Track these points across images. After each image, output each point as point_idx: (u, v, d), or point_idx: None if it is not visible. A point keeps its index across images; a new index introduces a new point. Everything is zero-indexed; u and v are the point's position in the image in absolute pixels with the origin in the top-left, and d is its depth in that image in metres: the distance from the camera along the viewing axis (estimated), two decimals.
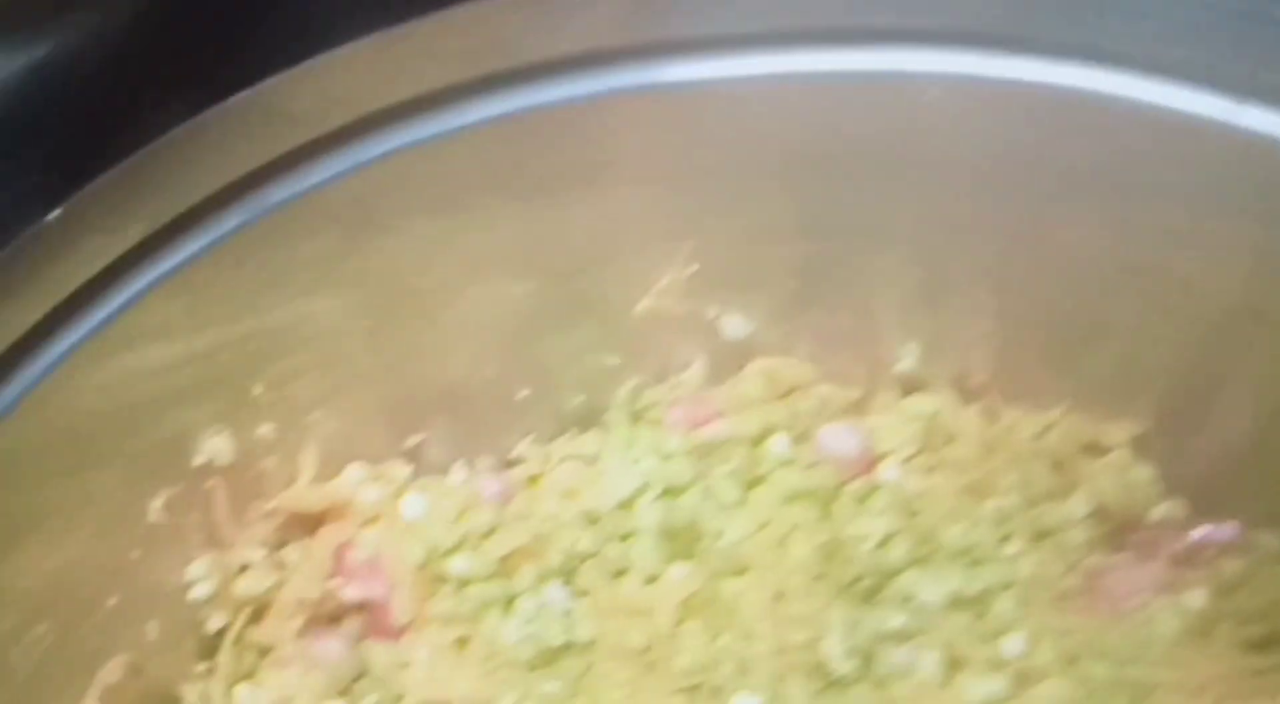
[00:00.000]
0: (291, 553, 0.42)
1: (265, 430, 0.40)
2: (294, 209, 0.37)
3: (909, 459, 0.44)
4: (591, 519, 0.43)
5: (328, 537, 0.42)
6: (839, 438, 0.44)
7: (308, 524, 0.42)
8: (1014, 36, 0.38)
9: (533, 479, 0.44)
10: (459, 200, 0.40)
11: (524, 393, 0.45)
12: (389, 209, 0.39)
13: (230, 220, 0.36)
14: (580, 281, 0.43)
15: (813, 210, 0.42)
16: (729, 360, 0.45)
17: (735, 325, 0.45)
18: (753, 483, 0.44)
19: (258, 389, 0.40)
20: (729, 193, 0.42)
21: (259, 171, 0.37)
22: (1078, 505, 0.43)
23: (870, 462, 0.44)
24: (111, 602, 0.38)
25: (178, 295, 0.36)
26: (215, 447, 0.39)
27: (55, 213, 0.33)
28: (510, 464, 0.45)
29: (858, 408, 0.45)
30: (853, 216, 0.42)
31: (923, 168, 0.40)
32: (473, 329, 0.43)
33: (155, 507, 0.38)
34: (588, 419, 0.46)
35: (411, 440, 0.44)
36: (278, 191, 0.37)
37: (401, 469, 0.43)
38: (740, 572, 0.41)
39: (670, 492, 0.43)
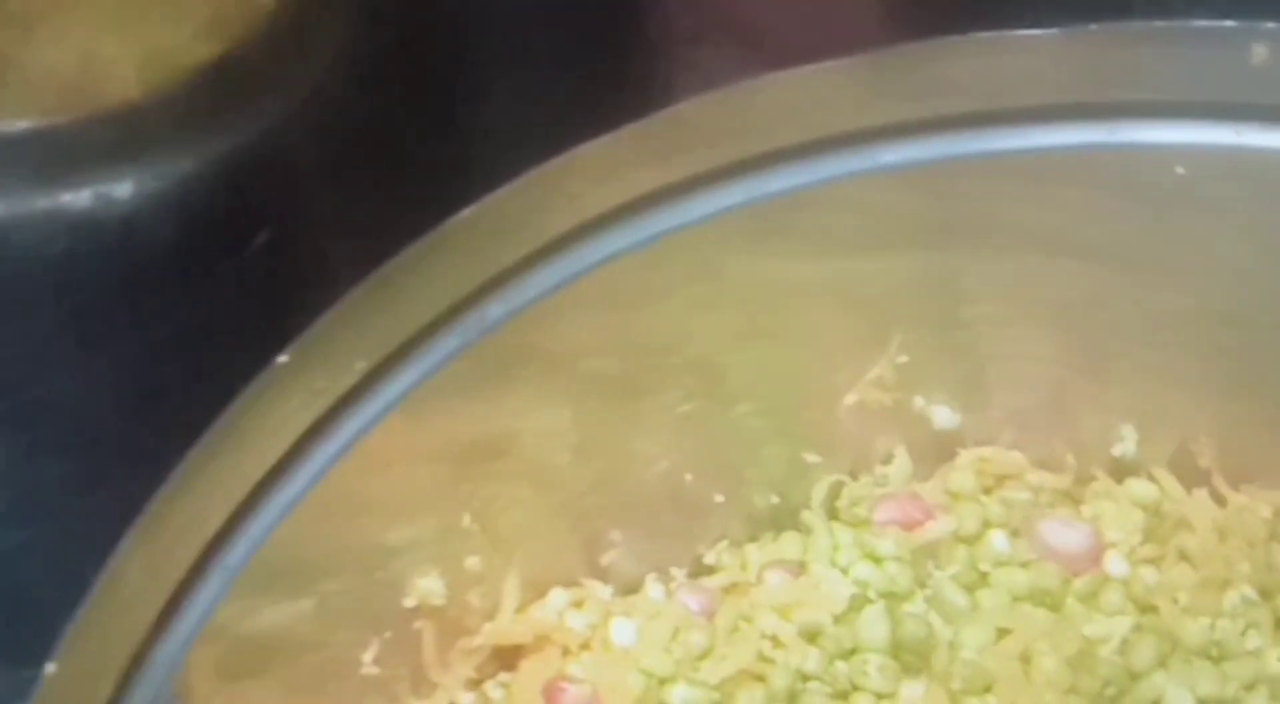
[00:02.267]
0: (493, 690, 0.38)
1: (472, 562, 0.37)
2: (511, 326, 0.34)
3: (1135, 550, 0.41)
4: (810, 635, 0.40)
5: (531, 670, 0.39)
6: (1060, 532, 0.41)
7: (507, 657, 0.39)
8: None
9: (732, 588, 0.41)
10: (664, 305, 0.37)
11: (718, 498, 0.42)
12: (599, 321, 0.36)
13: (450, 343, 0.33)
14: (787, 381, 0.40)
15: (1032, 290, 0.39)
16: (934, 452, 0.42)
17: (943, 415, 0.42)
18: (974, 586, 0.41)
19: (466, 519, 0.36)
20: (936, 273, 0.39)
21: (477, 290, 0.34)
22: None
23: (1095, 555, 0.41)
24: None
25: (399, 429, 0.33)
26: (427, 587, 0.36)
27: (283, 357, 0.30)
28: (704, 572, 0.42)
29: (1072, 497, 0.43)
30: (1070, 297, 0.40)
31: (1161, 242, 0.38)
32: (672, 437, 0.40)
33: (368, 658, 0.35)
34: (781, 520, 0.42)
35: (606, 558, 0.41)
36: (495, 308, 0.34)
37: (602, 590, 0.40)
38: (984, 689, 0.38)
39: (892, 600, 0.40)
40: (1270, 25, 0.34)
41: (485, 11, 0.40)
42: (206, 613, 0.29)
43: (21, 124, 0.33)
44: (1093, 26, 0.35)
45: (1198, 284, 0.39)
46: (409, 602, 0.36)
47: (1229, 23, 0.34)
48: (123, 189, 0.32)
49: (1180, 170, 0.36)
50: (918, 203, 0.37)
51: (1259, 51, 0.34)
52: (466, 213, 0.33)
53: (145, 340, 0.34)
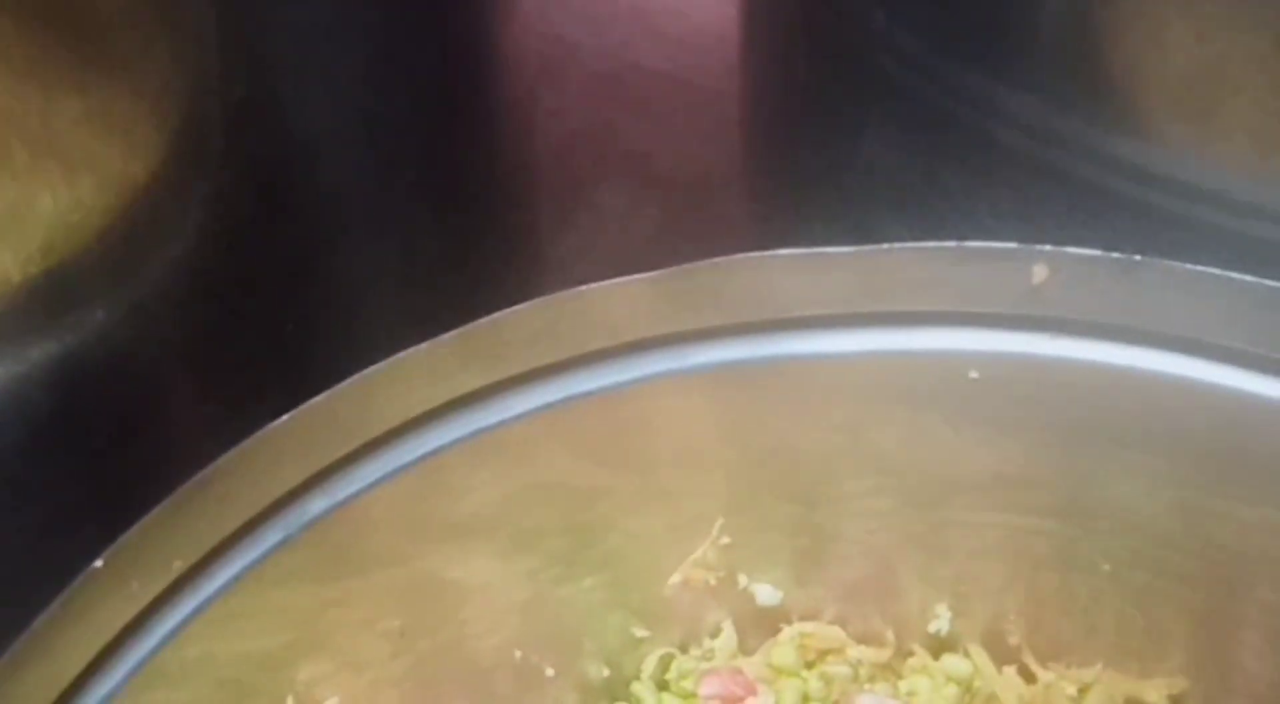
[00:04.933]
0: None
1: None
2: (332, 520, 0.36)
3: None
4: None
5: None
6: None
7: None
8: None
9: None
10: (492, 499, 0.39)
11: (549, 672, 0.43)
12: (421, 512, 0.38)
13: (271, 538, 0.35)
14: (613, 563, 0.42)
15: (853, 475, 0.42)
16: (760, 626, 0.44)
17: (765, 592, 0.44)
18: None
19: (289, 701, 0.38)
20: (758, 469, 0.41)
21: (298, 488, 0.35)
22: None
23: None
24: None
25: (218, 623, 0.34)
26: None
27: (98, 563, 0.32)
28: None
29: (892, 670, 0.44)
30: (890, 483, 0.42)
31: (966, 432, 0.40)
32: (501, 615, 0.41)
33: None
34: (615, 691, 0.44)
35: None
36: (318, 503, 0.36)
37: None
38: None
39: None
40: (1047, 248, 0.37)
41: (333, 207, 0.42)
42: None
43: None
44: (885, 245, 0.37)
45: (1004, 471, 0.41)
46: None
47: (1012, 244, 0.37)
48: None
49: (974, 374, 0.39)
50: (730, 401, 0.39)
51: (1039, 271, 0.37)
52: (285, 418, 0.35)
53: None
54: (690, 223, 0.55)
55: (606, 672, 0.44)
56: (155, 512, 0.33)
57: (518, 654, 0.42)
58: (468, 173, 0.47)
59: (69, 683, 0.31)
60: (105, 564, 0.32)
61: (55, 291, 0.33)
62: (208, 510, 0.34)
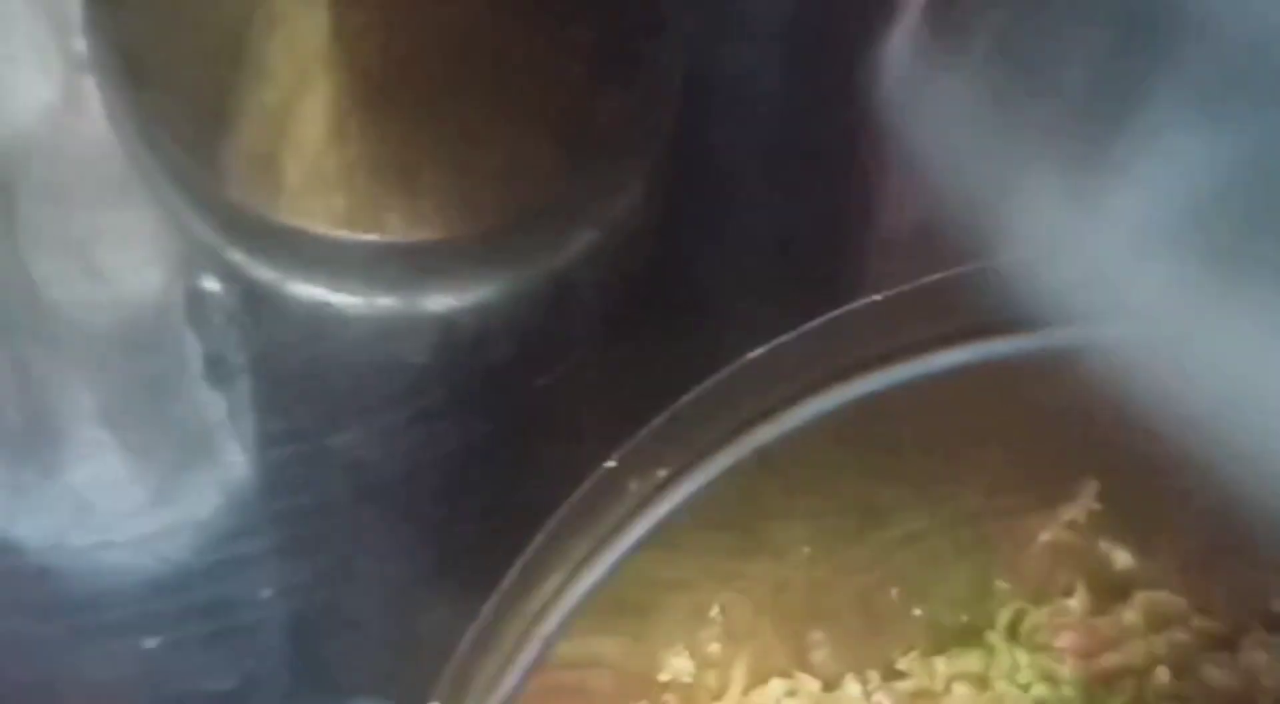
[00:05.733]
0: None
1: (713, 649, 0.43)
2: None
3: None
4: None
5: None
6: (1219, 673, 0.47)
7: None
8: None
9: (920, 693, 0.47)
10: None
11: (915, 611, 0.47)
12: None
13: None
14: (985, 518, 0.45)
15: None
16: (1110, 591, 0.48)
17: (1122, 558, 0.47)
18: None
19: (713, 611, 0.42)
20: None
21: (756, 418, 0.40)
22: None
23: (1250, 699, 0.46)
24: None
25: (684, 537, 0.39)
26: (678, 665, 0.42)
27: (610, 463, 0.36)
28: (895, 677, 0.47)
29: (1229, 643, 0.48)
30: None
31: None
32: (891, 557, 0.45)
33: None
34: (968, 637, 0.48)
35: (815, 656, 0.46)
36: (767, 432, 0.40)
37: (811, 683, 0.46)
38: None
39: None
40: None
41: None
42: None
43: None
44: None
45: None
46: (663, 676, 0.42)
47: None
48: (479, 294, 0.38)
49: None
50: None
51: None
52: (755, 354, 0.39)
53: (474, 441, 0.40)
54: None
55: (965, 617, 0.48)
56: (655, 422, 0.37)
57: (893, 591, 0.46)
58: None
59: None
60: (616, 465, 0.36)
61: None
62: (693, 426, 0.38)
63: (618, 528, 0.37)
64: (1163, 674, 0.46)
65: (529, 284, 0.39)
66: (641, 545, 0.38)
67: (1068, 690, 0.46)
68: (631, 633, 0.40)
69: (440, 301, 0.39)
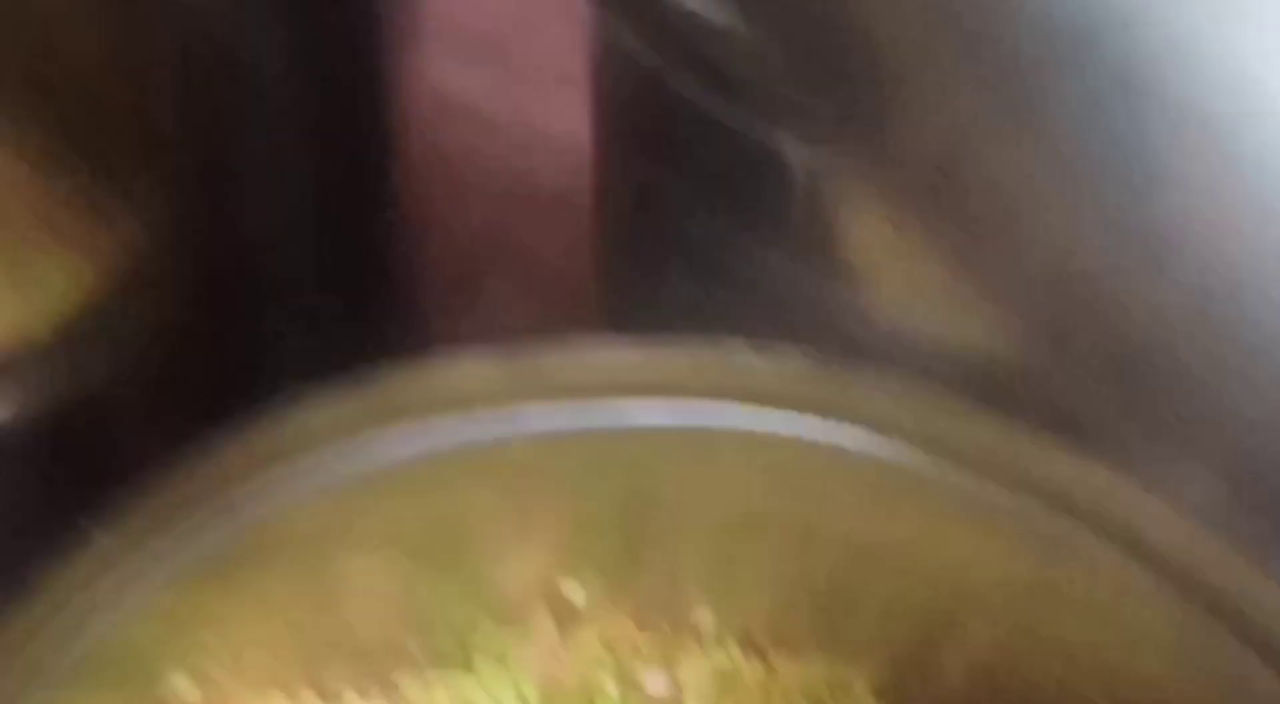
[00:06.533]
0: None
1: (213, 670, 0.53)
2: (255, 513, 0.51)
3: (706, 700, 0.58)
4: None
5: None
6: (656, 682, 0.58)
7: None
8: None
9: None
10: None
11: (410, 642, 0.58)
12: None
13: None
14: (464, 570, 0.57)
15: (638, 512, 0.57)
16: (569, 618, 0.59)
17: (575, 593, 0.59)
18: None
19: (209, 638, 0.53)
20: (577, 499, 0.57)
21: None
22: None
23: (678, 700, 0.58)
24: None
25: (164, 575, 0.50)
26: (179, 684, 0.52)
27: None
28: (394, 696, 0.58)
29: (668, 659, 0.59)
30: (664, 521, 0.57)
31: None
32: (372, 599, 0.56)
33: None
34: (461, 663, 0.59)
35: (319, 675, 0.57)
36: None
37: (312, 698, 0.56)
38: None
39: None
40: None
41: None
42: None
43: None
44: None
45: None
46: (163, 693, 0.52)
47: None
48: None
49: None
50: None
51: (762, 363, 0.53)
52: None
53: None
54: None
55: (456, 645, 0.59)
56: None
57: (383, 629, 0.57)
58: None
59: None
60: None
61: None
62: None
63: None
64: (609, 685, 0.58)
65: None
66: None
67: (530, 701, 0.57)
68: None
69: None
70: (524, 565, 0.58)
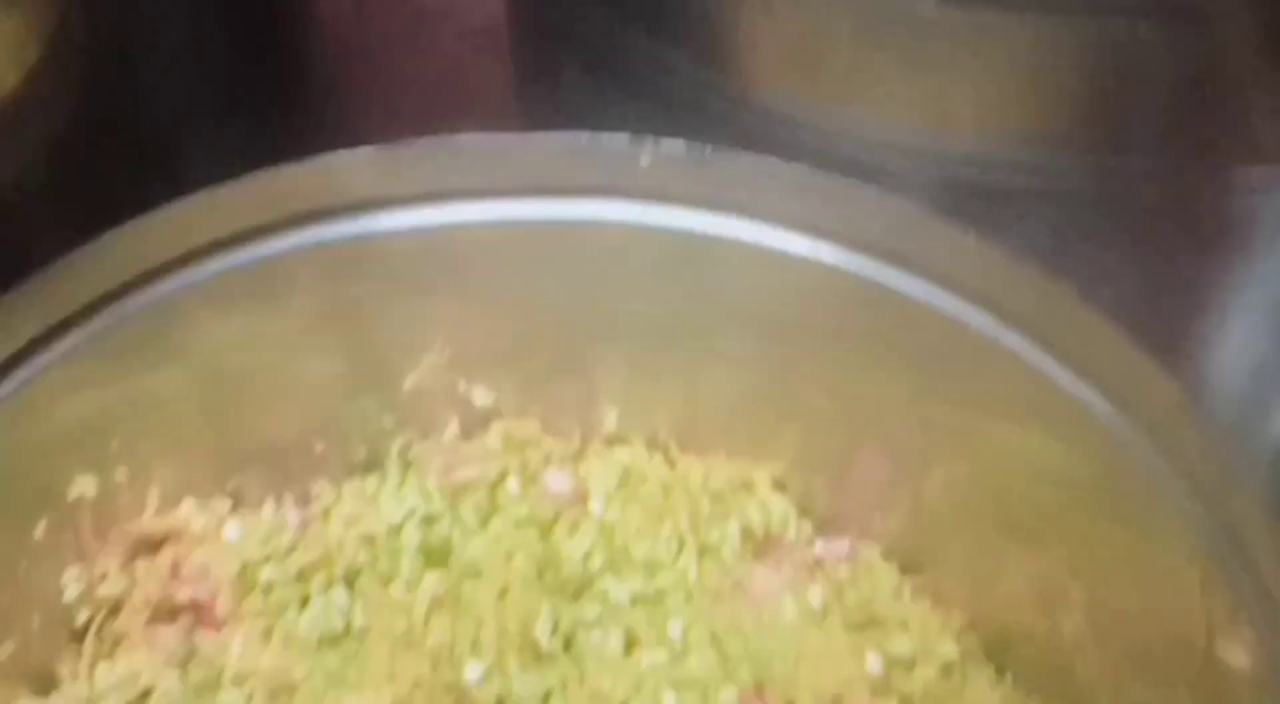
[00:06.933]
0: (140, 565, 0.56)
1: (120, 474, 0.54)
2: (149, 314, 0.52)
3: (610, 496, 0.59)
4: (369, 541, 0.57)
5: (167, 553, 0.56)
6: (558, 480, 0.59)
7: (152, 544, 0.56)
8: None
9: (325, 512, 0.59)
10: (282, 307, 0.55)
11: (320, 447, 0.59)
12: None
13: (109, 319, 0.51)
14: (366, 363, 0.58)
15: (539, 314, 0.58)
16: (477, 422, 0.60)
17: (481, 395, 0.60)
18: (490, 514, 0.58)
19: (114, 444, 0.54)
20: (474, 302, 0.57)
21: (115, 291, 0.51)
22: (732, 528, 0.58)
23: (581, 498, 0.59)
24: (4, 599, 0.51)
25: (63, 377, 0.50)
26: (83, 485, 0.53)
27: None
28: (308, 500, 0.59)
29: (574, 458, 0.60)
30: (568, 322, 0.58)
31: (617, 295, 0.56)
32: (281, 399, 0.57)
33: (39, 529, 0.52)
34: (370, 466, 0.60)
35: (232, 483, 0.58)
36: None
37: (224, 504, 0.57)
38: (477, 576, 0.56)
39: (428, 521, 0.58)
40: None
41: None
42: None
43: None
44: (537, 134, 0.53)
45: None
46: (71, 495, 0.53)
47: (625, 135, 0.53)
48: None
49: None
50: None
51: (644, 157, 0.53)
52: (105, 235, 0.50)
53: None
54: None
55: (365, 450, 0.60)
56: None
57: (295, 431, 0.58)
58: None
59: None
60: None
61: None
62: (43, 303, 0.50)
63: None
64: (512, 484, 0.59)
65: None
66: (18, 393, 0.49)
67: (434, 499, 0.58)
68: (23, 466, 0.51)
69: None
70: (428, 369, 0.58)
